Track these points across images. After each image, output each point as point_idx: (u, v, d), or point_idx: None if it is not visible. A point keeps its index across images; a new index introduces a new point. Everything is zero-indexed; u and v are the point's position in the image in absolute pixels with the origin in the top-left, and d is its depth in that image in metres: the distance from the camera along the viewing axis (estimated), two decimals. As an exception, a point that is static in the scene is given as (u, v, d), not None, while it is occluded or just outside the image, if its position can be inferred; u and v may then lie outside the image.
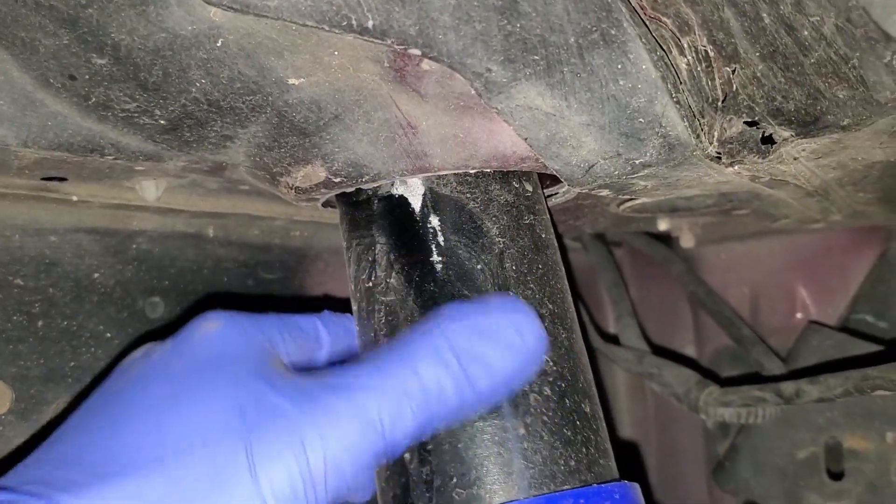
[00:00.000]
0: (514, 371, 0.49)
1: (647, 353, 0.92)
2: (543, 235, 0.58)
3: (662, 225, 0.83)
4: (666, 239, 1.10)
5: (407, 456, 0.52)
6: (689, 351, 1.13)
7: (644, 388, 1.18)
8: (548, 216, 0.61)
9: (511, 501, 0.49)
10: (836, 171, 0.61)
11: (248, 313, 0.55)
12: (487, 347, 0.48)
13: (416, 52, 0.46)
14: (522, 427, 0.51)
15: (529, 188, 0.59)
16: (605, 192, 0.58)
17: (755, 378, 0.90)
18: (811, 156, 0.54)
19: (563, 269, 0.60)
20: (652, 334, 1.16)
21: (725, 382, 0.84)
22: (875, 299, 0.96)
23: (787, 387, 0.73)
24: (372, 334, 0.56)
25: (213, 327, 0.52)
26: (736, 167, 0.53)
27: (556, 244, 0.60)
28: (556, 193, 0.65)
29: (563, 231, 0.99)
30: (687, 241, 0.87)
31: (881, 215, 0.84)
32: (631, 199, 0.70)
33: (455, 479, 0.50)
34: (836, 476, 0.88)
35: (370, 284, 0.57)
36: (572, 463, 0.51)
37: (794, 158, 0.54)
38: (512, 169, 0.56)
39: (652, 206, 0.74)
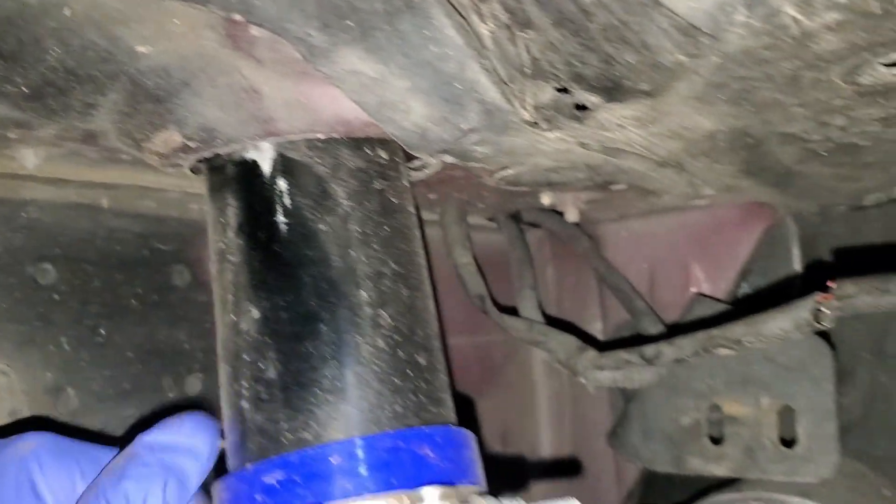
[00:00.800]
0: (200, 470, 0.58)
1: (538, 322, 0.95)
2: (395, 201, 0.61)
3: (545, 199, 0.86)
4: (576, 218, 1.14)
5: (245, 405, 0.55)
6: (597, 326, 1.17)
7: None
8: (404, 183, 0.64)
9: (333, 442, 0.52)
10: (675, 141, 0.64)
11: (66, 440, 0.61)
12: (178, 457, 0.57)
13: (240, 18, 0.49)
14: (352, 375, 0.54)
15: (384, 155, 0.62)
16: (450, 159, 0.61)
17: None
18: (635, 123, 0.57)
19: (415, 233, 0.63)
20: (566, 311, 1.20)
21: (607, 349, 0.87)
22: (761, 272, 0.99)
23: (649, 349, 0.76)
24: (222, 293, 0.59)
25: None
26: (557, 133, 0.56)
27: (410, 210, 0.63)
28: (425, 165, 0.68)
29: (470, 210, 1.02)
30: (571, 215, 0.90)
31: (756, 190, 0.87)
32: (501, 170, 0.73)
33: (284, 424, 0.53)
34: (717, 441, 0.92)
35: (222, 246, 0.60)
36: (398, 409, 0.55)
37: (619, 125, 0.57)
38: (358, 135, 0.59)
39: (526, 179, 0.77)
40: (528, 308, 0.98)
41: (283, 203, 0.58)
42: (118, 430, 0.79)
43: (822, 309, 0.58)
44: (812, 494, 0.93)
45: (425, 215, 1.03)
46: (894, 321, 0.97)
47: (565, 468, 1.19)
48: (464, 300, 1.04)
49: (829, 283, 0.58)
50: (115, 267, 0.81)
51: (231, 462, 0.57)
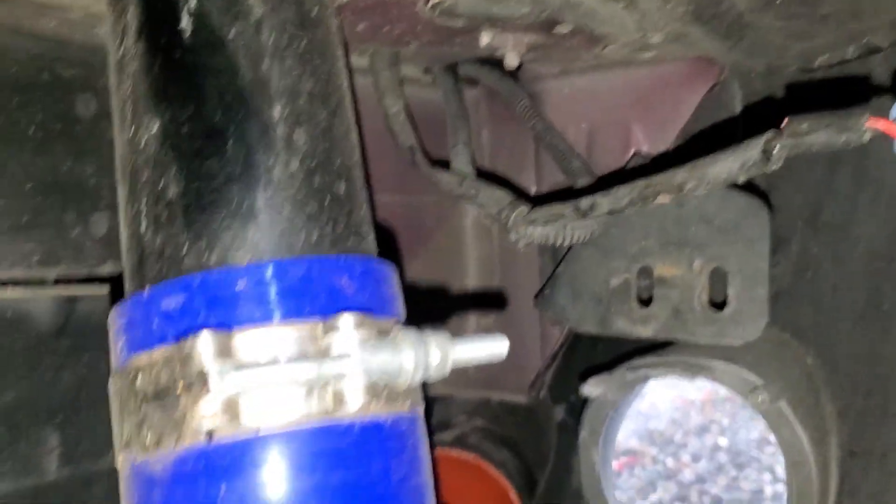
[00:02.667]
0: None
1: (469, 175, 0.91)
2: (313, 14, 0.55)
3: (485, 38, 0.80)
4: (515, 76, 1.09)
5: (144, 227, 0.51)
6: (531, 189, 1.13)
7: (490, 231, 1.19)
8: None
9: (240, 266, 0.48)
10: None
11: None
12: None
13: None
14: (262, 198, 0.50)
15: None
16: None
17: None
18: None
19: (337, 52, 0.58)
20: (501, 174, 1.16)
21: (540, 204, 0.84)
22: (702, 135, 0.96)
23: (584, 201, 0.73)
24: (121, 106, 0.54)
25: None
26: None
27: (331, 27, 0.58)
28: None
29: (404, 56, 0.96)
30: (512, 60, 0.84)
31: (705, 42, 0.83)
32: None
33: (186, 247, 0.49)
34: (645, 303, 0.90)
35: (120, 55, 0.53)
36: (314, 237, 0.50)
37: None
38: None
39: (464, 8, 0.71)
40: (462, 163, 0.94)
41: (188, 6, 0.51)
42: (17, 265, 0.74)
43: (774, 145, 0.55)
44: (736, 360, 0.93)
45: (355, 61, 0.96)
46: (831, 193, 0.96)
47: (491, 300, 1.18)
48: (394, 157, 0.99)
49: (782, 124, 0.54)
50: (11, 90, 0.73)
51: (128, 290, 0.52)
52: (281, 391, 0.45)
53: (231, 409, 0.43)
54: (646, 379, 0.97)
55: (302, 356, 0.45)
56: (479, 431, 1.16)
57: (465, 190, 0.86)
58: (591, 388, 0.99)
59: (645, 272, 0.90)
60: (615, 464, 3.66)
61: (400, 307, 0.54)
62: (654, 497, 3.42)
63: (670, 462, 3.77)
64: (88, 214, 0.79)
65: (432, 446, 1.15)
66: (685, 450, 3.88)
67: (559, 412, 1.29)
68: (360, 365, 0.45)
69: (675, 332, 0.88)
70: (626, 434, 4.01)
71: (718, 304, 0.87)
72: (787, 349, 0.98)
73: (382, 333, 0.47)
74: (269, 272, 0.47)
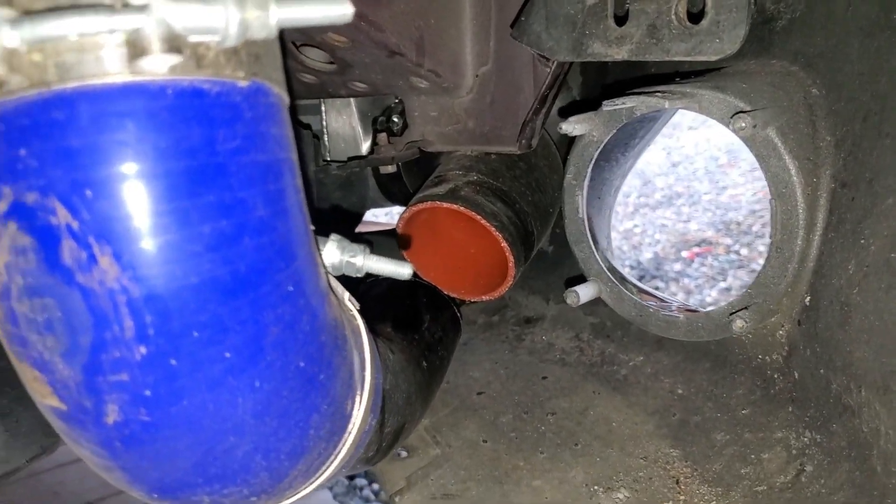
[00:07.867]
0: None
1: None
2: None
3: None
4: None
5: None
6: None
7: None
8: None
9: None
10: None
11: None
12: None
13: None
14: None
15: None
16: None
17: None
18: None
19: None
20: None
21: None
22: None
23: None
24: None
25: None
26: None
27: None
28: None
29: None
30: None
31: None
32: None
33: None
34: (622, 20, 0.81)
35: None
36: None
37: None
38: None
39: None
40: None
41: None
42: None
43: None
44: (727, 89, 0.85)
45: None
46: None
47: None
48: None
49: None
50: None
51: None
52: (84, 42, 0.40)
53: (15, 63, 0.39)
54: (630, 112, 0.89)
55: (96, 4, 0.40)
56: (473, 185, 1.12)
57: None
58: (570, 126, 0.92)
59: (622, -13, 0.81)
60: (686, 253, 3.60)
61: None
62: (723, 284, 3.37)
63: (744, 252, 3.70)
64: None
65: (426, 200, 1.11)
66: (762, 240, 3.77)
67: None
68: (161, 16, 0.40)
69: (649, 52, 0.79)
70: (702, 225, 3.93)
71: (698, 17, 0.77)
72: (792, 80, 0.89)
73: (193, -15, 0.42)
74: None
